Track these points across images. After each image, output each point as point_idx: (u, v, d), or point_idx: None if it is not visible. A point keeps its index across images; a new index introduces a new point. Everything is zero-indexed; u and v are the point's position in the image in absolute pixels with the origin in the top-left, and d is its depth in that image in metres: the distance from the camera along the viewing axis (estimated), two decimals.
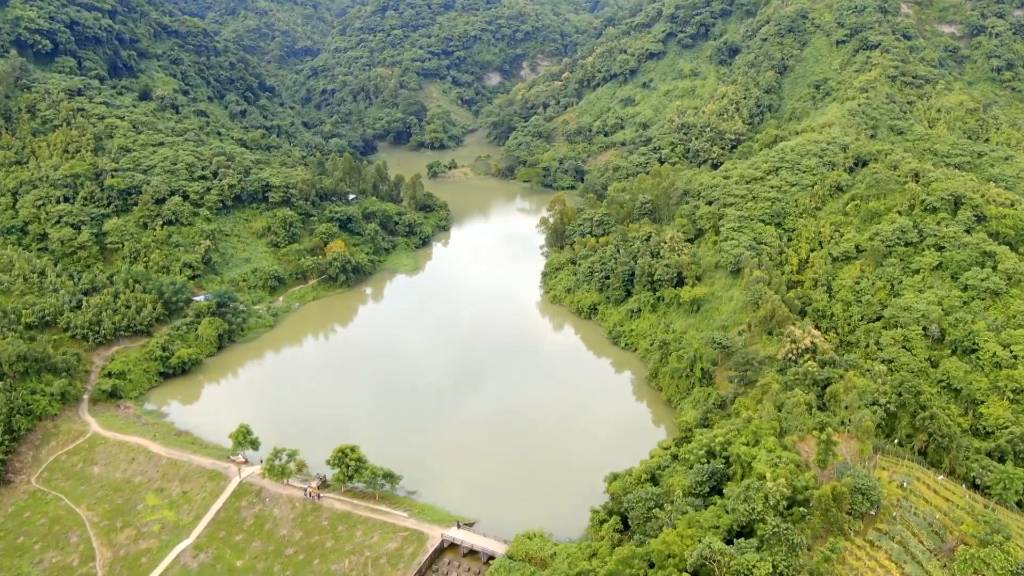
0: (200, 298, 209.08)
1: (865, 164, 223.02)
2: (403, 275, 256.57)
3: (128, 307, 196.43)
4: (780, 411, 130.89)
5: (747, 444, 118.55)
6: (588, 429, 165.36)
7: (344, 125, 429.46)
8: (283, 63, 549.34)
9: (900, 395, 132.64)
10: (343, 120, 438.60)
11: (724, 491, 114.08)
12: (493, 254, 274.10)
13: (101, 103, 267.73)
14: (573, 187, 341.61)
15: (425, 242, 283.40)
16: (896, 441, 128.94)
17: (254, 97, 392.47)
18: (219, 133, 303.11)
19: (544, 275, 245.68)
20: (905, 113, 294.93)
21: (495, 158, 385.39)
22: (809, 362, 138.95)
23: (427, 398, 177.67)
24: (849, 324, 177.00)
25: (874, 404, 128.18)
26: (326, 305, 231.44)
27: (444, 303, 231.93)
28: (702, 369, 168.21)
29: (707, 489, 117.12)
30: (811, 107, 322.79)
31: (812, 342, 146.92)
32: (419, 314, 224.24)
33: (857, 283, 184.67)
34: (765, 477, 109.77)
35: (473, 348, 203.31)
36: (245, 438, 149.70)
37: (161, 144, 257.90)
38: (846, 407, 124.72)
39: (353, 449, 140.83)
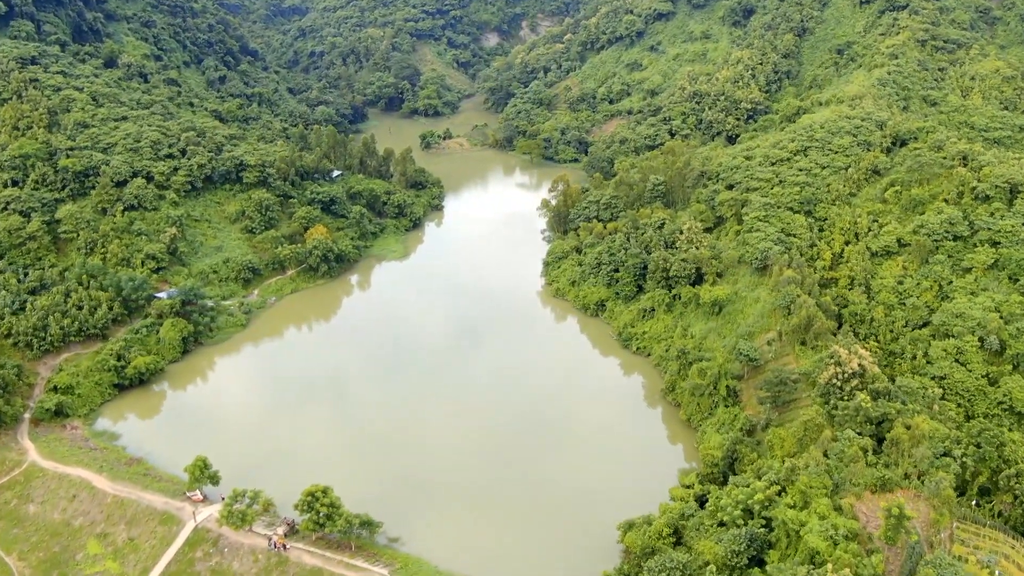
0: (163, 295, 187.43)
1: (904, 144, 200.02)
2: (391, 262, 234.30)
3: (80, 308, 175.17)
4: (826, 456, 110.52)
5: (794, 506, 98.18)
6: (596, 452, 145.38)
7: (332, 91, 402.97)
8: (269, 23, 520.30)
9: (979, 446, 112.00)
10: (331, 85, 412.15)
11: (767, 566, 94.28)
12: (490, 238, 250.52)
13: (57, 72, 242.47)
14: (576, 160, 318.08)
15: (416, 224, 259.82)
16: (973, 502, 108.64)
17: (235, 62, 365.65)
18: (191, 104, 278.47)
19: (546, 264, 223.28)
20: (938, 82, 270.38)
21: (492, 127, 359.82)
22: (862, 395, 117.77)
23: (413, 415, 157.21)
24: (892, 331, 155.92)
25: (946, 455, 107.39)
26: (306, 299, 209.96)
27: (436, 296, 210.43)
28: (727, 386, 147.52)
29: (745, 560, 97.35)
30: (834, 74, 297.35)
31: (860, 364, 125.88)
32: (408, 310, 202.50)
33: (900, 283, 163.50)
34: (819, 553, 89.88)
35: (469, 351, 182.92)
36: (203, 472, 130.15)
37: (124, 118, 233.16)
38: (914, 463, 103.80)
39: (325, 492, 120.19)
